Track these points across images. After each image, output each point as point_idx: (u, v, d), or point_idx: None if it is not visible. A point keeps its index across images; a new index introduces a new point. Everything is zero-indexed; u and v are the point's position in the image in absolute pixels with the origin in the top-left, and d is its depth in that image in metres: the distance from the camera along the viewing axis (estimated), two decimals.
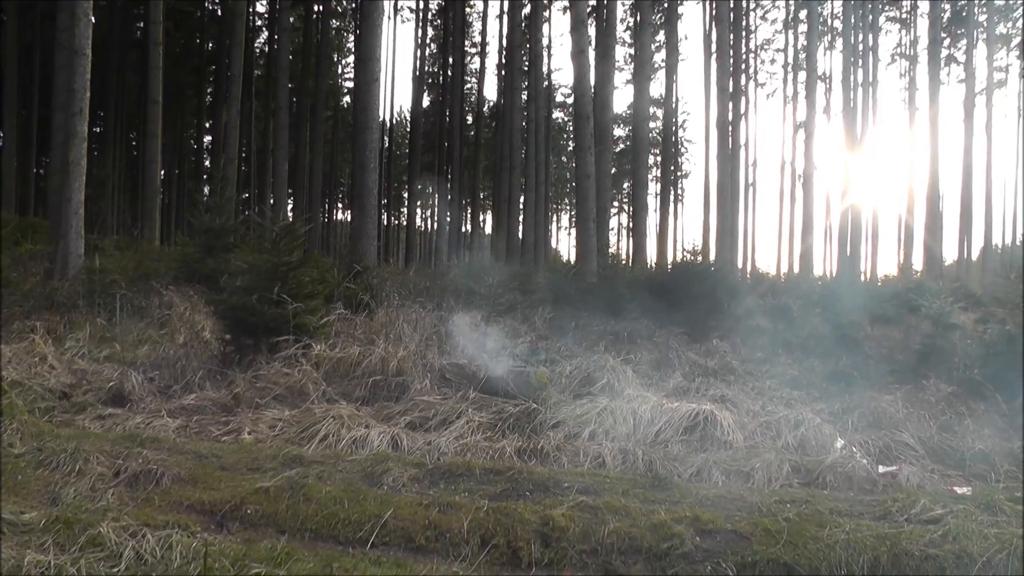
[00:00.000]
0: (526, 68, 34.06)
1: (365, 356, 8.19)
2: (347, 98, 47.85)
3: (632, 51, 40.58)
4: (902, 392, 8.50)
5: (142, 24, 33.68)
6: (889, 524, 4.74)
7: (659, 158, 39.22)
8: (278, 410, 7.12)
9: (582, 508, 4.65)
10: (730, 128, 27.53)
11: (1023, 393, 7.77)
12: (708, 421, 6.81)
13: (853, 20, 34.60)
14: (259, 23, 41.10)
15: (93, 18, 14.20)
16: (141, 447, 5.56)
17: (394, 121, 48.48)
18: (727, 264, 21.48)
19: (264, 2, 41.19)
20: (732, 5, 30.77)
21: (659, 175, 40.95)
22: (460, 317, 10.73)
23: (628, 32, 42.18)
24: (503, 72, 37.51)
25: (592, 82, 22.31)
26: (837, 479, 5.96)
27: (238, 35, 26.15)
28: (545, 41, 39.35)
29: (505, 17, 37.57)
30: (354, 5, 41.04)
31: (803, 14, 36.03)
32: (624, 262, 20.55)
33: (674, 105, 36.38)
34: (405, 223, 48.88)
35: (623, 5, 39.50)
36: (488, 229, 45.01)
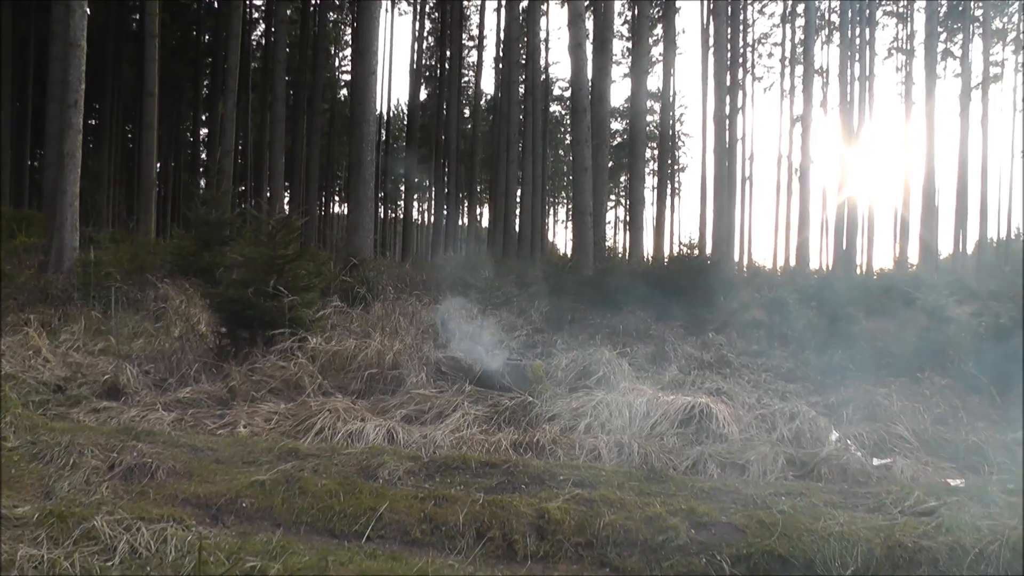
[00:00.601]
0: (523, 61, 34.00)
1: (361, 349, 8.19)
2: (344, 91, 47.74)
3: (629, 45, 40.55)
4: (897, 385, 8.51)
5: (138, 16, 33.62)
6: (883, 516, 4.75)
7: (656, 152, 39.25)
8: (274, 403, 7.11)
9: (577, 501, 4.65)
10: (727, 122, 27.52)
11: (1023, 384, 7.77)
12: (704, 414, 6.82)
13: (850, 14, 34.59)
14: (256, 15, 41.01)
15: (88, 9, 14.15)
16: (136, 440, 5.55)
17: (391, 114, 48.39)
18: (723, 258, 21.52)
19: None
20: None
21: (656, 169, 40.98)
22: (456, 310, 10.73)
23: (626, 26, 42.12)
24: (500, 65, 37.45)
25: (589, 76, 22.27)
26: (832, 472, 5.98)
27: (235, 27, 26.06)
28: (542, 35, 39.31)
29: (503, 11, 37.48)
30: None
31: (801, 8, 35.99)
32: (621, 255, 20.55)
33: (671, 99, 36.32)
34: (402, 216, 48.85)
35: None
36: (485, 222, 45.00)
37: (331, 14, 42.60)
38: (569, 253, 27.56)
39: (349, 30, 44.28)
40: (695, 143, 73.51)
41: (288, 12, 33.58)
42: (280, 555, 3.81)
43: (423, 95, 45.39)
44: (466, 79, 45.64)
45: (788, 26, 42.05)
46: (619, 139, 52.46)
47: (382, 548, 4.17)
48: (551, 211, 67.29)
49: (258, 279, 8.68)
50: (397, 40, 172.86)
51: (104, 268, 11.69)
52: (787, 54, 42.73)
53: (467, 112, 45.93)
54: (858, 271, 29.69)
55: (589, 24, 25.45)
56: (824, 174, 39.34)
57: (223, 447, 5.77)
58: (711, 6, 32.73)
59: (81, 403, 7.09)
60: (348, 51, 46.67)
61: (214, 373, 8.01)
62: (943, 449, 6.81)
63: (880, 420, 7.34)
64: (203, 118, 42.81)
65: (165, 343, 9.25)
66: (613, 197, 61.45)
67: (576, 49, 20.92)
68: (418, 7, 43.43)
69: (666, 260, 19.52)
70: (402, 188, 47.30)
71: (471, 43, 46.36)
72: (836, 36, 37.66)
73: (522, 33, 32.63)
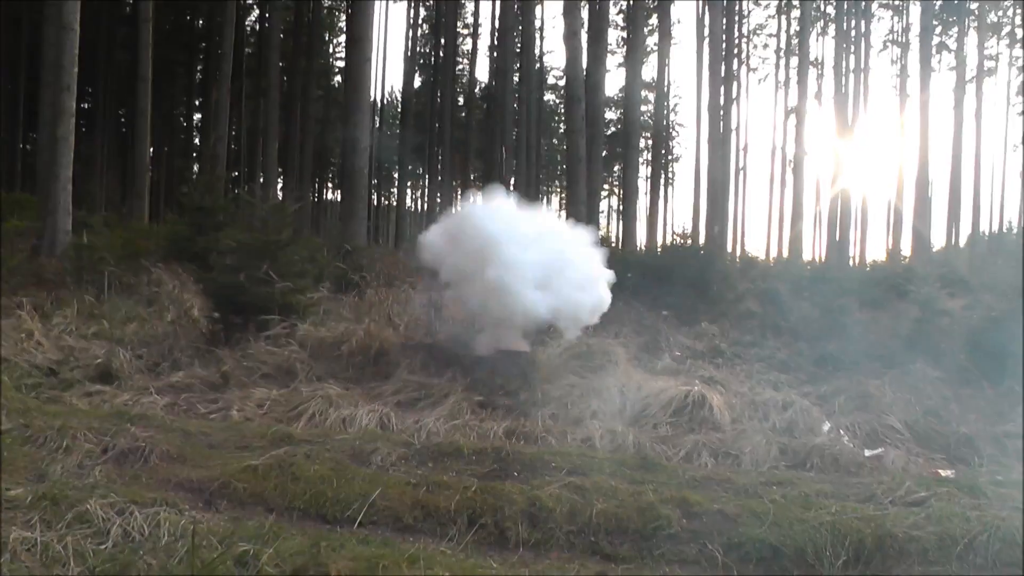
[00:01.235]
0: (518, 50, 33.90)
1: (354, 336, 8.19)
2: (338, 78, 47.53)
3: (625, 35, 40.40)
4: (889, 376, 8.55)
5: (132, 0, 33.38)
6: (874, 506, 4.78)
7: (650, 142, 39.25)
8: (266, 389, 7.11)
9: (570, 488, 4.66)
10: (721, 112, 27.46)
11: (1023, 376, 7.80)
12: (697, 403, 6.85)
13: (846, 6, 34.54)
14: (251, 1, 40.78)
15: None
16: (129, 424, 5.54)
17: (385, 102, 48.20)
18: (717, 248, 21.52)
19: None
20: None
21: (650, 158, 40.98)
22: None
23: (621, 15, 41.98)
24: (495, 54, 37.31)
25: (584, 65, 22.24)
26: (824, 461, 6.01)
27: (229, 13, 25.90)
28: (538, 23, 39.14)
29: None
30: None
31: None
32: (614, 245, 20.53)
33: (666, 89, 36.26)
34: (395, 204, 48.75)
35: None
36: None
37: (326, 0, 42.41)
38: None
39: (344, 17, 44.07)
40: (689, 133, 73.61)
41: None
42: (272, 540, 3.81)
43: (417, 83, 45.21)
44: (461, 67, 45.44)
45: (784, 17, 41.99)
46: (614, 129, 52.36)
47: (374, 534, 4.18)
48: (544, 200, 67.25)
49: (251, 265, 8.67)
50: (392, 27, 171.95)
51: (97, 252, 11.64)
52: (782, 45, 42.71)
53: (461, 100, 45.75)
54: (851, 263, 29.73)
55: (584, 13, 25.44)
56: (818, 166, 39.38)
57: (216, 432, 5.77)
58: None
59: (74, 387, 7.08)
60: (343, 38, 46.46)
61: (207, 358, 8.01)
62: (934, 440, 6.85)
63: (872, 411, 7.39)
64: (197, 103, 42.59)
65: (158, 328, 9.23)
66: (607, 186, 61.40)
67: (571, 38, 20.85)
68: None
69: (659, 250, 19.54)
70: (396, 176, 47.10)
71: (466, 31, 46.16)
72: (831, 28, 37.56)
73: (517, 22, 32.52)
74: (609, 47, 35.87)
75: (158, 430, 5.55)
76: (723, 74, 28.98)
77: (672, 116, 47.57)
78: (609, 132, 47.71)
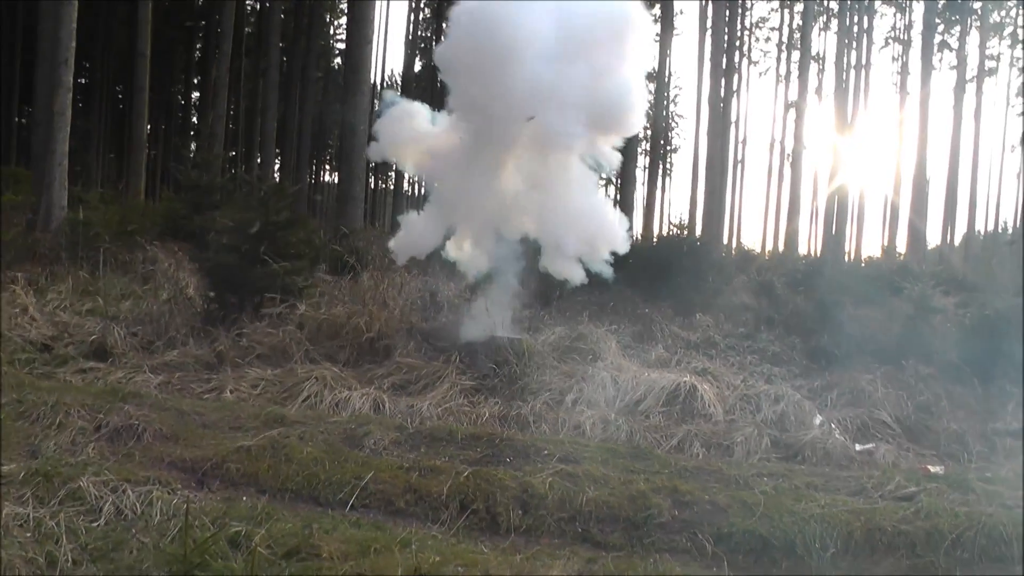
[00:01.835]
0: None
1: (349, 318, 8.17)
2: (338, 59, 47.33)
3: None
4: (882, 372, 8.57)
5: None
6: (864, 500, 4.82)
7: (649, 132, 39.15)
8: (261, 369, 7.11)
9: (562, 476, 4.69)
10: (722, 105, 27.44)
11: (1022, 377, 7.83)
12: (689, 393, 6.86)
13: (849, 2, 34.44)
14: None
15: None
16: (123, 402, 5.54)
17: (384, 85, 48.03)
18: (713, 240, 21.56)
19: None
20: None
21: (648, 149, 40.91)
22: (445, 282, 10.72)
23: None
24: None
25: None
26: (815, 455, 6.05)
27: None
28: None
29: None
30: None
31: None
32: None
33: (667, 79, 36.17)
34: (392, 187, 48.62)
35: None
36: None
37: None
38: None
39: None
40: (689, 125, 73.34)
41: None
42: (265, 521, 3.83)
43: (418, 66, 45.04)
44: None
45: (786, 11, 41.82)
46: None
47: (366, 517, 4.20)
48: None
49: (248, 245, 8.65)
50: (393, 9, 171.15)
51: (93, 228, 11.58)
52: (784, 39, 42.56)
53: None
54: (847, 258, 29.78)
55: None
56: (816, 161, 39.35)
57: (210, 411, 5.78)
58: None
59: (68, 363, 7.07)
60: (343, 19, 46.25)
61: (202, 337, 7.99)
62: (924, 436, 6.89)
63: (864, 406, 7.42)
64: (195, 81, 42.36)
65: (153, 306, 9.19)
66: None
67: None
68: None
69: (655, 240, 19.52)
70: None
71: None
72: (834, 23, 37.47)
73: None
74: None
75: (152, 408, 5.56)
76: (724, 66, 28.94)
77: (672, 107, 47.43)
78: None
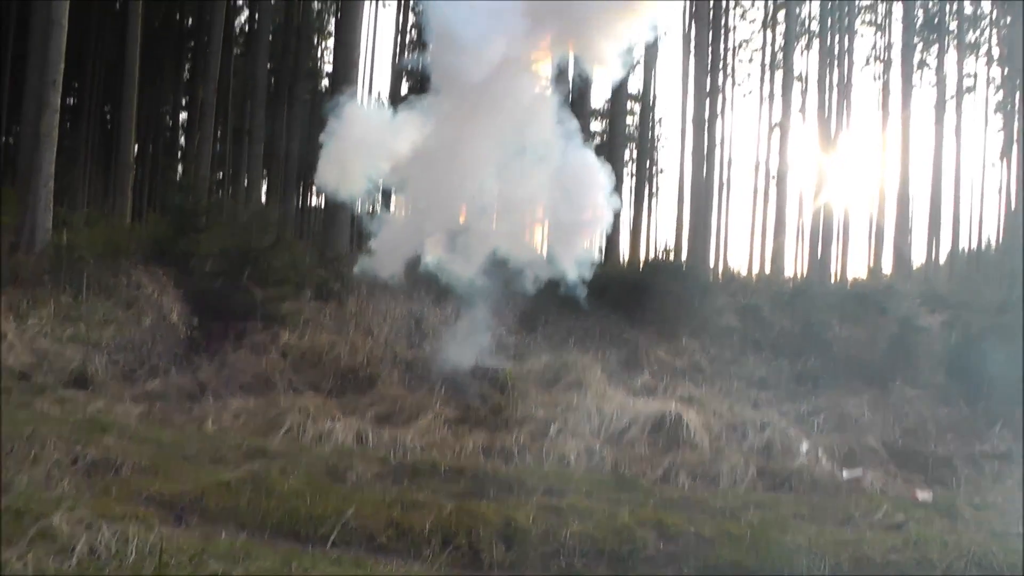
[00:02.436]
0: None
1: (334, 346, 8.12)
2: (326, 81, 47.41)
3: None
4: (868, 395, 8.57)
5: None
6: (852, 530, 4.78)
7: (635, 153, 39.21)
8: (243, 399, 7.04)
9: (546, 509, 4.62)
10: (706, 126, 27.51)
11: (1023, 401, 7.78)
12: (675, 422, 6.81)
13: (830, 23, 34.71)
14: (240, 2, 40.55)
15: None
16: (102, 433, 5.45)
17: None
18: (699, 263, 21.51)
19: None
20: (711, 3, 30.74)
21: (635, 171, 40.94)
22: (430, 309, 10.67)
23: None
24: None
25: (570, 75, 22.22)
26: (802, 483, 6.00)
27: (219, 12, 25.78)
28: None
29: None
30: None
31: (781, 15, 36.08)
32: (596, 258, 20.43)
33: (651, 101, 36.38)
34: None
35: None
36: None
37: (316, 3, 42.24)
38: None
39: (333, 20, 43.96)
40: (674, 146, 73.39)
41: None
42: (243, 558, 3.74)
43: (404, 90, 45.15)
44: None
45: (769, 31, 42.07)
46: (598, 139, 52.49)
47: (347, 553, 4.11)
48: None
49: (232, 270, 8.60)
50: (380, 32, 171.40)
51: (77, 251, 11.46)
52: (767, 60, 42.80)
53: None
54: (833, 279, 29.84)
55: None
56: (801, 181, 39.46)
57: (190, 443, 5.70)
58: (693, 9, 32.68)
59: (46, 392, 6.95)
60: (331, 41, 46.38)
61: (184, 365, 7.92)
62: (912, 461, 6.86)
63: (851, 430, 7.40)
64: (183, 102, 42.31)
65: (136, 332, 9.09)
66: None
67: None
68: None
69: (642, 264, 19.49)
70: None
71: None
72: (816, 44, 37.75)
73: None
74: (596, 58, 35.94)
75: (131, 440, 5.47)
76: (708, 88, 29.05)
77: (657, 128, 47.59)
78: (594, 143, 47.79)
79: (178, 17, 39.03)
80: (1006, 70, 36.69)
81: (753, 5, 42.26)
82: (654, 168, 45.67)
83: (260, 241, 8.80)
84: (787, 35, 29.72)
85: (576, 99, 23.23)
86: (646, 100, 34.52)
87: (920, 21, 35.02)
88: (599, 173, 8.58)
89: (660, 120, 45.93)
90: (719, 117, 35.89)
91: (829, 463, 6.58)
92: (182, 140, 42.06)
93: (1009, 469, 6.61)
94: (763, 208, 41.97)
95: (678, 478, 5.89)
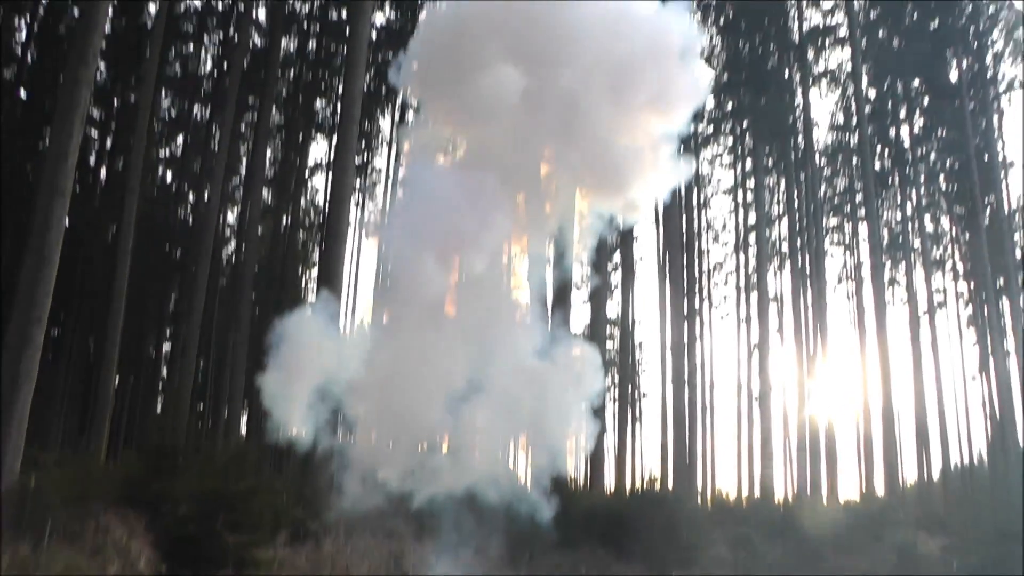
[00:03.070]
0: None
1: None
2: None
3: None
4: None
5: (116, 227, 34.09)
6: None
7: (617, 379, 39.47)
8: None
9: None
10: (686, 349, 27.97)
11: None
12: None
13: (799, 243, 36.09)
14: (227, 234, 41.86)
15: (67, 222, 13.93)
16: None
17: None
18: (685, 490, 21.21)
19: (234, 215, 42.27)
20: (684, 229, 32.04)
21: (616, 396, 41.04)
22: (410, 547, 10.32)
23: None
24: None
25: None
26: None
27: (206, 244, 26.60)
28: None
29: None
30: (321, 219, 42.09)
31: (752, 238, 37.53)
32: (581, 487, 20.10)
33: (631, 326, 37.09)
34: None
35: None
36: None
37: (301, 233, 43.64)
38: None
39: (317, 251, 45.30)
40: (656, 371, 73.89)
41: (259, 231, 34.38)
42: None
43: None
44: None
45: (742, 254, 43.44)
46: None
47: None
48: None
49: (206, 515, 8.34)
50: (364, 256, 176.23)
51: (44, 496, 11.08)
52: (742, 283, 44.02)
53: None
54: (823, 501, 29.33)
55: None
56: (784, 399, 39.60)
57: None
58: (666, 235, 33.96)
59: None
60: (315, 271, 47.65)
61: None
62: None
63: None
64: (167, 333, 42.70)
65: None
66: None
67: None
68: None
69: (628, 494, 19.16)
70: None
71: None
72: (788, 264, 39.05)
73: None
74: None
75: None
76: (686, 312, 29.78)
77: (638, 353, 48.11)
78: None
79: (167, 250, 40.14)
80: (971, 284, 37.95)
81: (725, 228, 44.09)
82: (636, 392, 45.76)
83: (237, 485, 8.57)
84: (759, 257, 30.83)
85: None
86: (625, 325, 35.16)
87: (886, 241, 36.50)
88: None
89: (640, 344, 46.64)
90: (698, 340, 36.53)
91: None
92: (165, 372, 42.12)
93: None
94: (748, 429, 41.82)
95: None
